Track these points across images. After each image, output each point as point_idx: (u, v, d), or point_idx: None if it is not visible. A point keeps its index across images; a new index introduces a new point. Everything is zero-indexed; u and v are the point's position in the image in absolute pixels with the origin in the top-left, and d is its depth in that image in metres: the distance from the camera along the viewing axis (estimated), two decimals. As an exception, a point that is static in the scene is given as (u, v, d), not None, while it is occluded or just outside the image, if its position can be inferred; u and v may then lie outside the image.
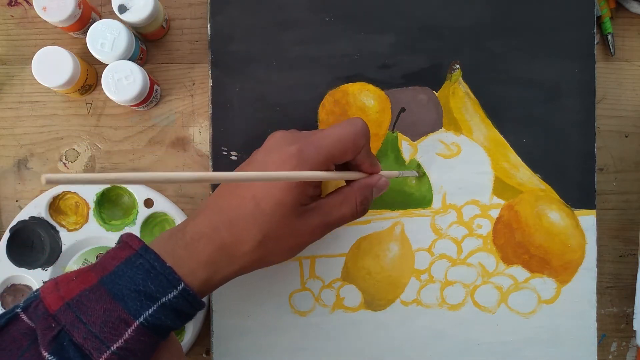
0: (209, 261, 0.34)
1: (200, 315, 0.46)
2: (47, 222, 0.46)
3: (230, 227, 0.34)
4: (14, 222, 0.46)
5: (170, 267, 0.32)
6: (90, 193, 0.46)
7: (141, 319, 0.31)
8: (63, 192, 0.46)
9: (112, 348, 0.30)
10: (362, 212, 0.38)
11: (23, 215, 0.46)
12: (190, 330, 0.46)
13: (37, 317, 0.31)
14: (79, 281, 0.32)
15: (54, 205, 0.46)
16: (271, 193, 0.34)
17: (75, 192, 0.46)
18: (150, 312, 0.31)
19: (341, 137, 0.36)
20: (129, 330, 0.31)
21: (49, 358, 0.30)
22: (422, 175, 0.46)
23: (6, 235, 0.45)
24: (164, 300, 0.32)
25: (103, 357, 0.30)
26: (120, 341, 0.30)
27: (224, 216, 0.35)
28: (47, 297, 0.31)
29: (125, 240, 0.33)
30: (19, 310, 0.32)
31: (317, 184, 0.38)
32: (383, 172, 0.40)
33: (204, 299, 0.46)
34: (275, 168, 0.34)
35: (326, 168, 0.36)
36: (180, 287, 0.32)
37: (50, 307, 0.31)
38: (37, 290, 0.32)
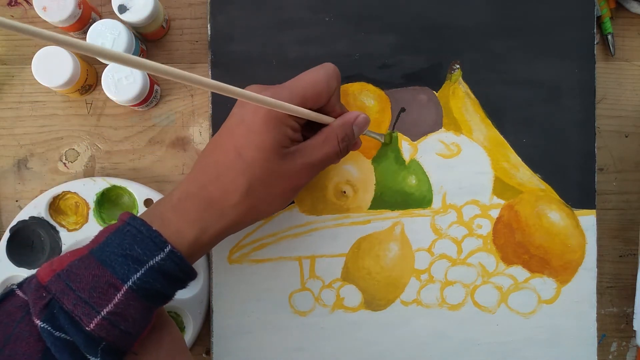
0: (197, 219, 0.34)
1: (200, 315, 0.46)
2: (47, 222, 0.46)
3: (216, 181, 0.35)
4: (14, 222, 0.46)
5: (156, 230, 0.33)
6: (90, 193, 0.46)
7: (130, 283, 0.31)
8: (63, 192, 0.46)
9: (102, 313, 0.31)
10: (345, 150, 0.39)
11: (23, 215, 0.46)
12: (190, 330, 0.46)
13: (30, 290, 0.32)
14: (71, 255, 0.32)
15: (54, 205, 0.46)
16: (251, 140, 0.35)
17: (75, 192, 0.46)
18: (138, 276, 0.31)
19: (314, 79, 0.37)
20: (118, 295, 0.31)
21: (41, 325, 0.30)
22: (388, 142, 0.45)
23: (6, 235, 0.45)
24: (151, 263, 0.32)
25: (93, 322, 0.30)
26: (110, 305, 0.31)
27: (209, 173, 0.35)
28: (40, 272, 0.32)
29: (119, 217, 0.34)
30: (14, 287, 0.33)
31: (297, 128, 0.37)
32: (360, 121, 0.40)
33: (204, 286, 0.46)
34: (253, 116, 0.35)
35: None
36: (167, 249, 0.32)
37: (42, 279, 0.31)
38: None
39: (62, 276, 0.31)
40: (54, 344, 0.30)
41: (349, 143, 0.39)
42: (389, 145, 0.45)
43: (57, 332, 0.30)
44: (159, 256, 0.32)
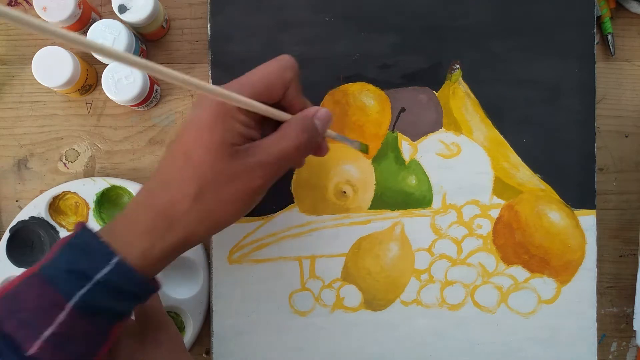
0: (146, 230, 0.31)
1: (200, 315, 0.46)
2: (47, 222, 0.46)
3: (164, 189, 0.32)
4: (13, 222, 0.46)
5: (103, 242, 0.30)
6: (90, 193, 0.46)
7: (75, 300, 0.29)
8: (63, 192, 0.46)
9: (44, 335, 0.28)
10: (306, 146, 0.34)
11: (23, 215, 0.46)
12: (190, 330, 0.46)
13: None
14: (24, 273, 0.30)
15: (54, 206, 0.46)
16: (198, 140, 0.32)
17: (75, 192, 0.46)
18: (84, 292, 0.29)
19: (266, 71, 0.34)
20: (62, 314, 0.29)
21: None
22: (364, 151, 0.44)
23: (6, 235, 0.45)
24: (98, 277, 0.29)
25: (35, 346, 0.28)
26: (53, 326, 0.28)
27: (158, 179, 0.33)
28: None
29: (74, 227, 0.32)
30: None
31: (249, 124, 0.34)
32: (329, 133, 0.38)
33: (204, 286, 0.46)
34: (201, 112, 0.32)
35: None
36: (114, 260, 0.30)
37: None
38: None
39: (7, 297, 0.29)
40: None
41: (310, 138, 0.34)
42: (366, 153, 0.45)
43: None
44: (106, 269, 0.30)
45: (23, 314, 0.29)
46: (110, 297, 0.30)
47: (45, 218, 0.46)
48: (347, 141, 0.42)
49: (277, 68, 0.34)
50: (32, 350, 0.28)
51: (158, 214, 0.31)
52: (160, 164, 0.33)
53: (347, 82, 0.46)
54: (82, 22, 0.44)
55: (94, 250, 0.30)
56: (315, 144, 0.36)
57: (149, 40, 0.48)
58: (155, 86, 0.46)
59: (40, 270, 0.30)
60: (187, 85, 0.28)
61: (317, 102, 0.45)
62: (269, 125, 0.35)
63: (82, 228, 0.31)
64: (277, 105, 0.35)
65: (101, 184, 0.46)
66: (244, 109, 0.32)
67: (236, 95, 0.31)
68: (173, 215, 0.32)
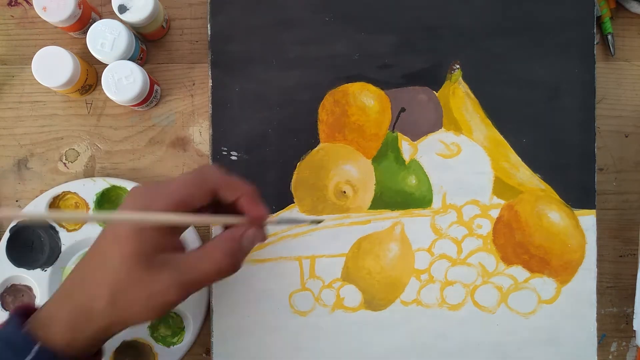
0: (67, 324, 0.32)
1: (200, 315, 0.46)
2: (47, 223, 0.46)
3: (82, 286, 0.33)
4: (13, 223, 0.46)
5: (25, 332, 0.32)
6: (90, 193, 0.46)
7: None
8: (63, 192, 0.46)
9: None
10: (232, 266, 0.34)
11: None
12: (190, 330, 0.46)
13: None
14: None
15: (54, 206, 0.46)
16: (114, 247, 0.32)
17: (75, 193, 0.46)
18: None
19: (186, 180, 0.34)
20: None
21: None
22: (317, 224, 0.43)
23: (6, 235, 0.45)
24: None
25: None
26: None
27: (79, 273, 0.34)
28: None
29: (10, 312, 0.34)
30: None
31: (172, 230, 0.34)
32: (270, 219, 0.37)
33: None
34: (120, 225, 0.33)
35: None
36: (35, 348, 0.31)
37: None
38: None
39: None
40: None
41: (237, 258, 0.34)
42: (318, 224, 0.44)
43: None
44: (28, 358, 0.31)
45: None
46: None
47: (45, 218, 0.46)
48: (294, 223, 0.43)
49: (197, 177, 0.34)
50: None
51: (76, 308, 0.32)
52: (83, 259, 0.34)
53: (347, 82, 0.46)
54: (82, 22, 0.44)
55: (17, 341, 0.31)
56: (239, 264, 0.35)
57: (149, 40, 0.48)
58: (155, 86, 0.46)
59: None
60: (107, 221, 0.30)
61: (317, 102, 0.45)
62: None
63: (10, 317, 0.33)
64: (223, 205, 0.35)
65: (101, 184, 0.46)
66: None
67: (154, 216, 0.32)
68: (90, 311, 0.32)
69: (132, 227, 0.32)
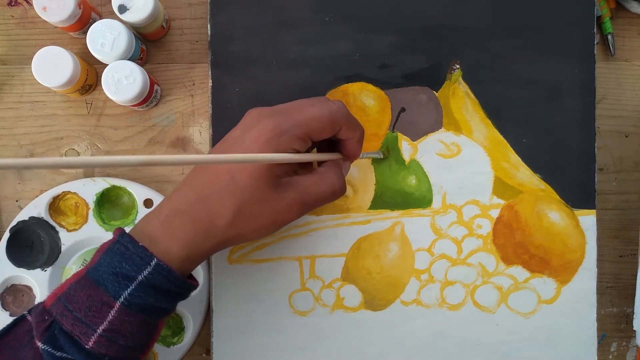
0: (185, 238, 0.34)
1: (200, 315, 0.46)
2: (47, 223, 0.46)
3: (205, 202, 0.34)
4: (13, 222, 0.46)
5: (142, 246, 0.33)
6: (90, 193, 0.46)
7: (122, 299, 0.32)
8: (63, 192, 0.46)
9: (98, 331, 0.31)
10: (342, 189, 0.38)
11: (23, 215, 0.46)
12: (190, 330, 0.46)
13: (35, 314, 0.33)
14: (72, 277, 0.33)
15: (54, 206, 0.46)
16: (245, 166, 0.34)
17: (75, 193, 0.46)
18: (129, 292, 0.32)
19: (319, 115, 0.36)
20: (112, 312, 0.32)
21: (42, 347, 0.31)
22: (386, 156, 0.45)
23: (6, 235, 0.45)
24: (140, 278, 0.32)
25: (92, 340, 0.31)
26: (105, 323, 0.32)
27: (199, 191, 0.35)
28: (47, 298, 0.33)
29: (113, 232, 0.34)
30: (25, 312, 0.34)
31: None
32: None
33: (204, 286, 0.46)
34: (252, 143, 0.34)
35: (304, 143, 0.35)
36: (153, 262, 0.32)
37: (46, 304, 0.33)
38: None
39: (61, 298, 0.32)
40: None
41: (344, 184, 0.38)
42: (388, 156, 0.46)
43: (59, 353, 0.31)
44: (146, 270, 0.32)
45: (78, 313, 0.32)
46: (152, 295, 0.33)
47: (45, 218, 0.46)
48: (371, 155, 0.44)
49: (328, 115, 0.36)
50: (89, 344, 0.31)
51: (197, 224, 0.34)
52: (199, 175, 0.35)
53: (347, 82, 0.46)
54: (82, 22, 0.44)
55: (134, 254, 0.33)
56: (345, 188, 0.38)
57: (149, 40, 0.48)
58: (155, 86, 0.46)
59: (86, 274, 0.33)
60: (234, 162, 0.31)
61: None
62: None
63: (120, 234, 0.34)
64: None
65: (101, 184, 0.46)
66: (296, 143, 0.34)
67: (283, 155, 0.33)
68: (210, 229, 0.34)
69: (266, 147, 0.34)
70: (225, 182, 0.34)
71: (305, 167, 0.40)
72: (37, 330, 0.32)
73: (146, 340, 0.34)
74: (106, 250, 0.33)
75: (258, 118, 0.35)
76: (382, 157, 0.45)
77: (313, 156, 0.37)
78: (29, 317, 0.33)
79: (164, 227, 0.34)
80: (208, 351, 0.47)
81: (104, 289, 0.32)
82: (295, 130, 0.34)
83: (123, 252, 0.33)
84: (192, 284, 0.35)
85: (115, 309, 0.32)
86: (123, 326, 0.32)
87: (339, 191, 0.37)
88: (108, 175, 0.47)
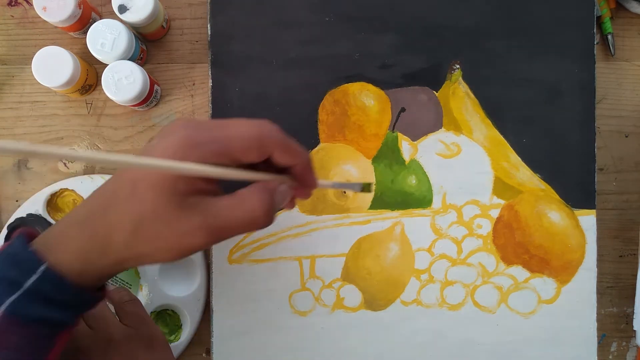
0: (78, 251, 0.30)
1: (197, 313, 0.46)
2: (45, 220, 0.46)
3: (104, 214, 0.30)
4: (11, 219, 0.46)
5: (32, 250, 0.30)
6: (87, 191, 0.46)
7: (5, 306, 0.28)
8: (61, 189, 0.46)
9: None
10: (266, 218, 0.32)
11: (21, 212, 0.46)
12: (187, 329, 0.46)
13: None
14: None
15: (52, 203, 0.46)
16: (148, 177, 0.30)
17: (72, 190, 0.46)
18: (14, 299, 0.29)
19: (242, 134, 0.31)
20: None
21: None
22: (367, 191, 0.37)
23: (4, 232, 0.45)
24: (27, 285, 0.29)
25: None
26: None
27: (101, 202, 0.31)
28: None
29: (14, 234, 0.31)
30: None
31: (211, 178, 0.32)
32: (320, 182, 0.35)
33: (202, 284, 0.46)
34: (162, 152, 0.30)
35: (221, 161, 0.30)
36: (42, 268, 0.29)
37: None
38: None
39: None
40: None
41: (270, 212, 0.32)
42: (368, 192, 0.43)
43: None
44: (34, 277, 0.29)
45: None
46: (42, 305, 0.29)
47: (43, 215, 0.46)
48: (345, 187, 0.40)
49: (255, 134, 0.31)
50: None
51: (91, 237, 0.30)
52: (106, 184, 0.32)
53: (347, 82, 0.46)
54: (82, 22, 0.44)
55: (23, 259, 0.29)
56: (272, 218, 0.33)
57: (149, 40, 0.48)
58: (156, 86, 0.46)
59: None
60: (144, 166, 0.28)
61: (317, 102, 0.45)
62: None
63: (17, 236, 0.31)
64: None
65: (99, 181, 0.46)
66: (211, 159, 0.30)
67: (198, 168, 0.29)
68: (107, 244, 0.30)
69: (171, 159, 0.29)
70: (126, 194, 0.30)
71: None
72: None
73: (38, 357, 0.30)
74: (0, 253, 0.30)
75: (175, 128, 0.31)
76: (360, 190, 0.36)
77: (237, 173, 0.31)
78: None
79: (61, 236, 0.31)
80: (208, 351, 0.47)
81: None
82: (210, 146, 0.30)
83: (13, 255, 0.30)
84: (94, 294, 0.32)
85: None
86: (6, 337, 0.29)
87: (261, 220, 0.31)
88: (106, 174, 0.47)
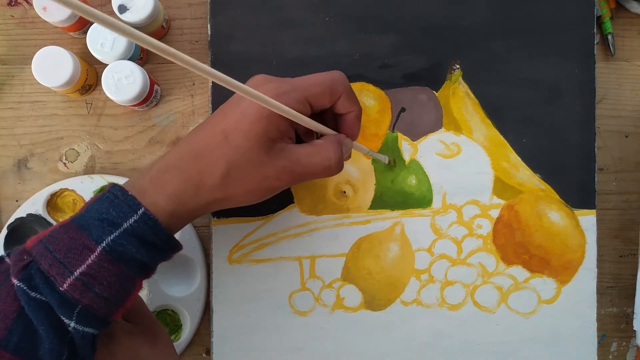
0: (173, 193, 0.34)
1: (197, 313, 0.46)
2: (45, 220, 0.46)
3: (196, 160, 0.34)
4: (11, 219, 0.46)
5: (131, 195, 0.33)
6: (87, 191, 0.46)
7: (103, 244, 0.31)
8: (60, 189, 0.46)
9: (75, 273, 0.31)
10: (338, 165, 0.36)
11: (21, 212, 0.46)
12: (187, 328, 0.46)
13: (15, 254, 0.32)
14: (54, 226, 0.33)
15: (52, 203, 0.46)
16: (240, 126, 0.34)
17: (72, 190, 0.46)
18: (112, 238, 0.31)
19: (319, 81, 0.36)
20: (92, 256, 0.31)
21: (18, 284, 0.31)
22: (392, 166, 0.45)
23: (4, 232, 0.45)
24: (125, 225, 0.32)
25: (67, 282, 0.31)
26: (83, 266, 0.31)
27: (192, 149, 0.35)
28: (28, 241, 0.33)
29: (106, 187, 0.34)
30: (4, 255, 0.33)
31: (290, 127, 0.36)
32: (355, 144, 0.40)
33: (202, 284, 0.46)
34: (250, 102, 0.34)
35: (302, 107, 0.35)
36: (140, 211, 0.32)
37: (27, 246, 0.32)
38: None
39: (43, 240, 0.32)
40: (28, 304, 0.30)
41: (339, 162, 0.37)
42: (393, 167, 0.45)
43: (33, 292, 0.31)
44: (133, 218, 0.32)
45: (57, 254, 0.31)
46: (135, 245, 0.32)
47: (43, 215, 0.46)
48: (375, 155, 0.44)
49: (329, 80, 0.36)
50: (64, 286, 0.31)
51: (187, 181, 0.34)
52: (194, 134, 0.35)
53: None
54: (82, 22, 0.44)
55: (122, 202, 0.32)
56: (342, 166, 0.37)
57: (149, 40, 0.48)
58: (155, 86, 0.46)
59: (72, 220, 0.32)
60: (240, 91, 0.30)
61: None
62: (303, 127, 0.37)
63: (112, 185, 0.34)
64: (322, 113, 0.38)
65: (99, 181, 0.46)
66: (294, 106, 0.34)
67: (288, 109, 0.33)
68: (199, 186, 0.34)
69: (262, 110, 0.33)
70: (219, 142, 0.34)
71: (307, 138, 0.39)
72: (14, 268, 0.31)
73: (122, 296, 0.33)
74: (95, 200, 0.33)
75: (259, 82, 0.35)
76: (387, 162, 0.45)
77: (316, 124, 0.36)
78: (7, 259, 0.33)
79: (153, 181, 0.34)
80: (208, 351, 0.47)
81: (87, 233, 0.31)
82: (293, 94, 0.34)
83: (112, 199, 0.32)
84: (176, 242, 0.35)
85: (96, 253, 0.31)
86: (100, 273, 0.31)
87: (334, 167, 0.36)
88: (106, 173, 0.47)
